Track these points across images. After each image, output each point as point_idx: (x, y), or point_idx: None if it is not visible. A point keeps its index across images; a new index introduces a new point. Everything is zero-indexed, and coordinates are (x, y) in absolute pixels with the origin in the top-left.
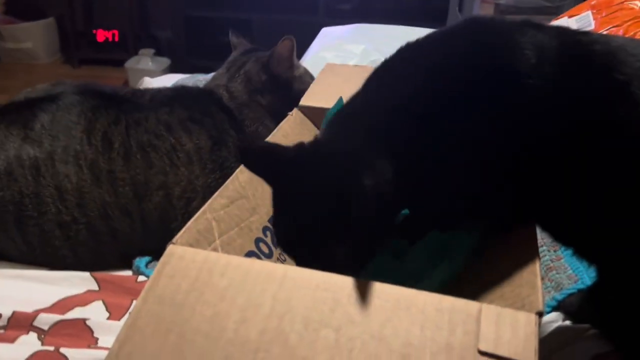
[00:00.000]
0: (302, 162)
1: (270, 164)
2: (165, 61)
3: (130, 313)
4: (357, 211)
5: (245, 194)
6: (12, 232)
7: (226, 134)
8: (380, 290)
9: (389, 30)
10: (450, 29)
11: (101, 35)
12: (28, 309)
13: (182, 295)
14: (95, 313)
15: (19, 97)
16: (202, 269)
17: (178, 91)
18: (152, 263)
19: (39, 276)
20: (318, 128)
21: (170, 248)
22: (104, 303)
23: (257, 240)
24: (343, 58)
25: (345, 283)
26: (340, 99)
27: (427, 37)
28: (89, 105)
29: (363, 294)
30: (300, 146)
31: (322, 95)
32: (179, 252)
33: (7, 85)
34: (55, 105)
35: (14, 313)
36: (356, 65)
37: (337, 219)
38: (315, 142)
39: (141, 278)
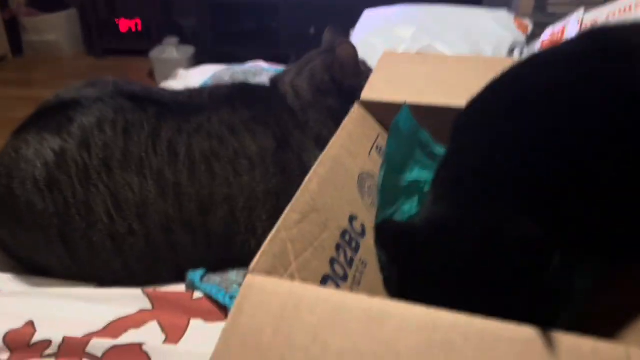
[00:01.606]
0: (442, 243)
1: (405, 244)
2: (190, 50)
3: (212, 356)
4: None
5: (316, 207)
6: (56, 246)
7: (290, 135)
8: (506, 329)
9: (436, 11)
10: (573, 50)
11: (124, 24)
12: (78, 333)
13: (267, 337)
14: (150, 336)
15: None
16: (287, 305)
17: (238, 88)
18: (207, 276)
19: (88, 295)
20: (381, 124)
21: (248, 279)
22: (159, 324)
23: (332, 262)
24: (392, 43)
25: (458, 321)
26: (405, 107)
27: (534, 65)
28: (153, 112)
29: (483, 334)
30: (430, 223)
31: (384, 88)
32: (258, 284)
33: (30, 79)
34: (98, 106)
35: (64, 339)
36: (417, 54)
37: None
38: (443, 217)
39: (197, 294)
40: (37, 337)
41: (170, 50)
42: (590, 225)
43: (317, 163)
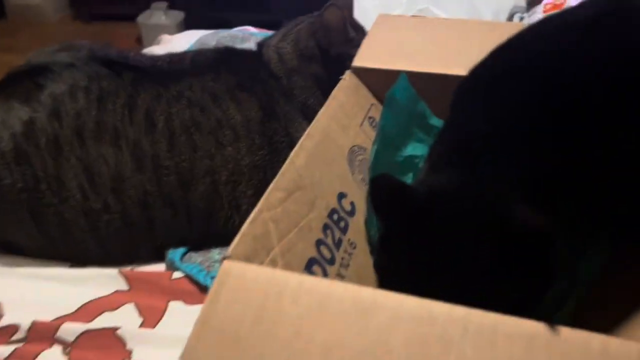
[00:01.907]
0: (441, 212)
1: (400, 204)
2: (179, 15)
3: (184, 351)
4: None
5: (303, 184)
6: (27, 223)
7: (276, 104)
8: (506, 324)
9: None
10: (587, 15)
11: None
12: (49, 316)
13: (246, 329)
14: (126, 319)
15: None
16: (268, 294)
17: (222, 53)
18: (188, 255)
19: (60, 275)
20: (374, 94)
21: (225, 265)
22: (136, 306)
23: (318, 243)
24: (386, 6)
25: (454, 314)
26: (403, 76)
27: (543, 31)
28: (129, 78)
29: (482, 329)
30: (431, 189)
31: (378, 53)
32: (237, 270)
33: (13, 44)
34: (70, 73)
35: (33, 323)
36: (414, 17)
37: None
38: (445, 186)
39: (176, 274)
40: (4, 322)
41: (158, 15)
42: (592, 201)
43: (304, 136)
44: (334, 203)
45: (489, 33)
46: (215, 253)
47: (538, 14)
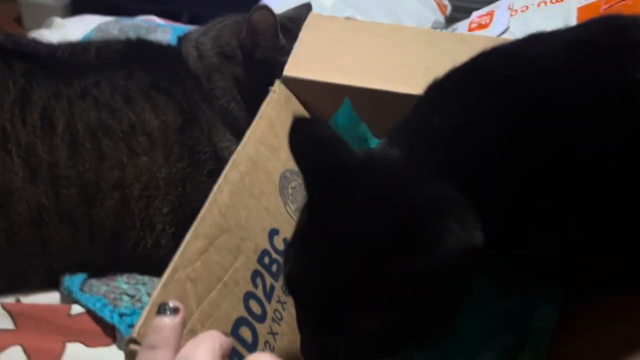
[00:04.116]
0: (371, 176)
1: (327, 160)
2: None
3: None
4: (427, 262)
5: (228, 226)
6: None
7: (198, 108)
8: None
9: None
10: (582, 38)
11: None
12: None
13: None
14: None
15: None
16: None
17: (135, 46)
18: (88, 282)
19: None
20: (306, 106)
21: (130, 351)
22: (24, 350)
23: (247, 297)
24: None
25: None
26: (347, 102)
27: (531, 45)
28: (21, 69)
29: None
30: (368, 154)
31: (310, 62)
32: None
33: None
34: None
35: None
36: (348, 20)
37: (393, 270)
38: (387, 156)
39: (76, 309)
40: None
41: None
42: (540, 244)
43: (228, 165)
44: (264, 243)
45: (426, 41)
46: (122, 282)
47: (460, 31)
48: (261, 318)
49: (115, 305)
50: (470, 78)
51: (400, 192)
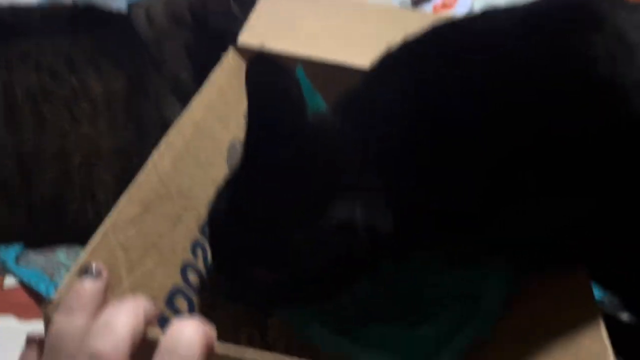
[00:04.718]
0: (305, 139)
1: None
2: None
3: None
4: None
5: (168, 193)
6: None
7: (145, 75)
8: None
9: None
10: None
11: None
12: None
13: None
14: None
15: None
16: None
17: (83, 10)
18: (25, 255)
19: None
20: None
21: (47, 314)
22: None
23: (184, 268)
24: None
25: None
26: (299, 69)
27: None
28: None
29: None
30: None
31: (267, 31)
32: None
33: None
34: None
35: None
36: None
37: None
38: (326, 123)
39: (9, 282)
40: None
41: None
42: (485, 218)
43: (171, 130)
44: (204, 215)
45: (387, 18)
46: (62, 254)
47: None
48: (199, 289)
49: (52, 278)
50: (419, 50)
51: (318, 159)
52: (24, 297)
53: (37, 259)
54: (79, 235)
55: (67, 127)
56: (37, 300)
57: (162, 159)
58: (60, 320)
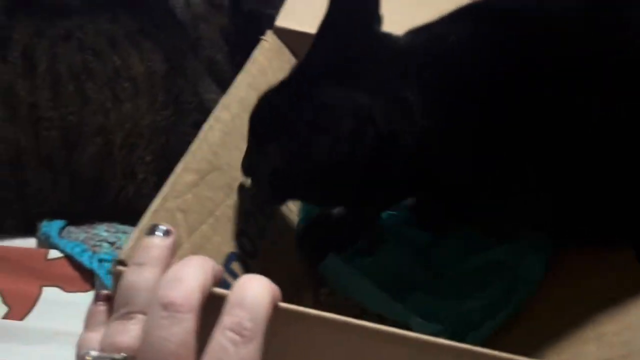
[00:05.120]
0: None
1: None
2: None
3: None
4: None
5: (219, 164)
6: None
7: (183, 57)
8: None
9: None
10: None
11: None
12: None
13: None
14: None
15: None
16: None
17: None
18: (67, 229)
19: None
20: (298, 59)
21: (117, 273)
22: (0, 292)
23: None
24: None
25: None
26: None
27: None
28: (2, 5)
29: None
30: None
31: (303, 14)
32: None
33: None
34: None
35: None
36: None
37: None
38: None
39: (53, 253)
40: None
41: None
42: (526, 192)
43: (218, 106)
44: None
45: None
46: (102, 229)
47: None
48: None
49: (94, 252)
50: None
51: (375, 62)
52: (68, 269)
53: (78, 233)
54: (118, 212)
55: (109, 105)
56: (80, 272)
57: (212, 132)
58: (132, 274)
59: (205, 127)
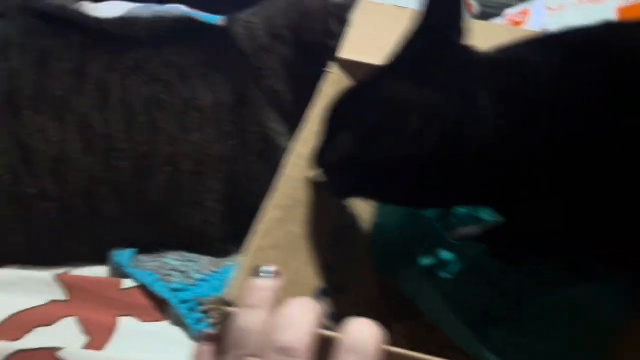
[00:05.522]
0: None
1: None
2: None
3: None
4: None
5: (301, 199)
6: None
7: (247, 87)
8: None
9: None
10: None
11: None
12: None
13: None
14: (67, 337)
15: None
16: None
17: (185, 23)
18: (137, 258)
19: None
20: None
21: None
22: (79, 321)
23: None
24: None
25: None
26: None
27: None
28: (77, 40)
29: None
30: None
31: (364, 45)
32: None
33: None
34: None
35: None
36: (398, 7)
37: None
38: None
39: (126, 282)
40: None
41: None
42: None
43: (296, 141)
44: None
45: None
46: (171, 259)
47: None
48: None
49: (166, 281)
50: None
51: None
52: (141, 298)
53: (148, 262)
54: (185, 240)
55: (178, 135)
56: (153, 301)
57: (294, 167)
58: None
59: (287, 163)
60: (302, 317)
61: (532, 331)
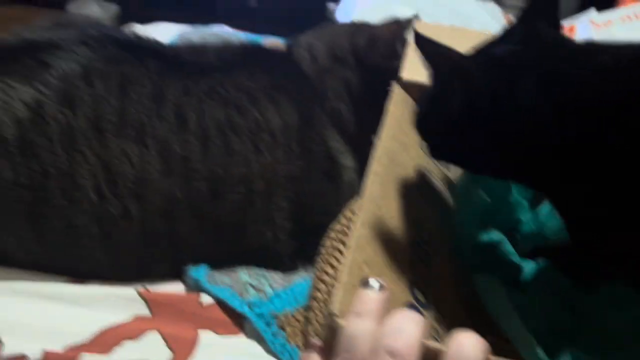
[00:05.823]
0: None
1: None
2: (112, 7)
3: None
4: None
5: (383, 216)
6: (21, 227)
7: (312, 109)
8: None
9: None
10: None
11: None
12: (58, 345)
13: None
14: (153, 351)
15: (26, 36)
16: None
17: (252, 49)
18: (211, 274)
19: (63, 293)
20: None
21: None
22: (162, 335)
23: (411, 285)
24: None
25: None
26: None
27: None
28: (155, 66)
29: None
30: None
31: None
32: None
33: None
34: (83, 52)
35: (45, 354)
36: (453, 27)
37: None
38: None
39: (205, 298)
40: (7, 350)
41: (91, 5)
42: None
43: (373, 160)
44: (414, 234)
45: None
46: (244, 274)
47: None
48: (425, 305)
49: (242, 296)
50: None
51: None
52: (220, 313)
53: (222, 278)
54: (256, 256)
55: (251, 157)
56: (230, 316)
57: (373, 185)
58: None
59: (366, 182)
60: (411, 326)
61: (602, 350)
